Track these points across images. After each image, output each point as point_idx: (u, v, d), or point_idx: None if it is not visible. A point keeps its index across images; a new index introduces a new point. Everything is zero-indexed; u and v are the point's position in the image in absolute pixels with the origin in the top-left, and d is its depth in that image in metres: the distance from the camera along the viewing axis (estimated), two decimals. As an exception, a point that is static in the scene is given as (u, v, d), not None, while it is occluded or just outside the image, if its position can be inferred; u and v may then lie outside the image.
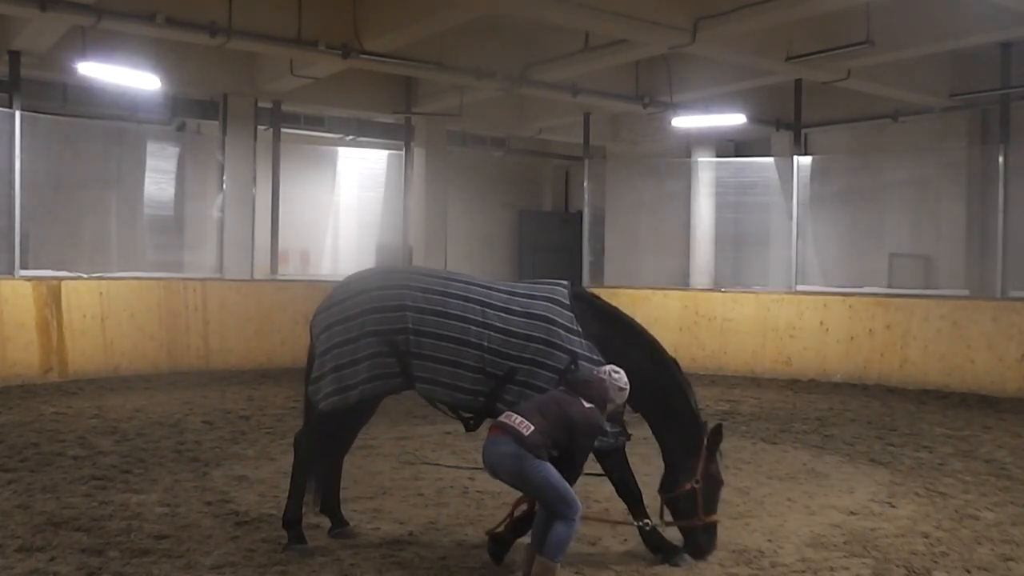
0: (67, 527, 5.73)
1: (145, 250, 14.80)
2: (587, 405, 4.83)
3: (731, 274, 16.68)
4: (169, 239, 15.10)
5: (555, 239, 20.86)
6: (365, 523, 6.00)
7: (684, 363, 16.71)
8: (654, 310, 15.49)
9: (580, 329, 5.18)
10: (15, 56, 12.45)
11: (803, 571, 5.20)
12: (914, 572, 5.20)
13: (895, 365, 13.37)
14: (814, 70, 13.01)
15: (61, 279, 12.66)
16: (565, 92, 14.47)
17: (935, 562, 5.37)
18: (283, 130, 15.75)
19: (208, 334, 14.02)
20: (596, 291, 16.20)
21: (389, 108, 16.45)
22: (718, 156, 17.80)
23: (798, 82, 14.89)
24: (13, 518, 5.89)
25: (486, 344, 5.14)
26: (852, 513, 6.45)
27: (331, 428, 5.47)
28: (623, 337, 5.36)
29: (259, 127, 15.34)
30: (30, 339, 12.13)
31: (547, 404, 4.85)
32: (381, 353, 5.19)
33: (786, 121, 15.98)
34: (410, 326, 5.17)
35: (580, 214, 17.86)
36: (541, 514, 4.90)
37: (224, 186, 14.92)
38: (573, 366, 5.12)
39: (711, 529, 5.33)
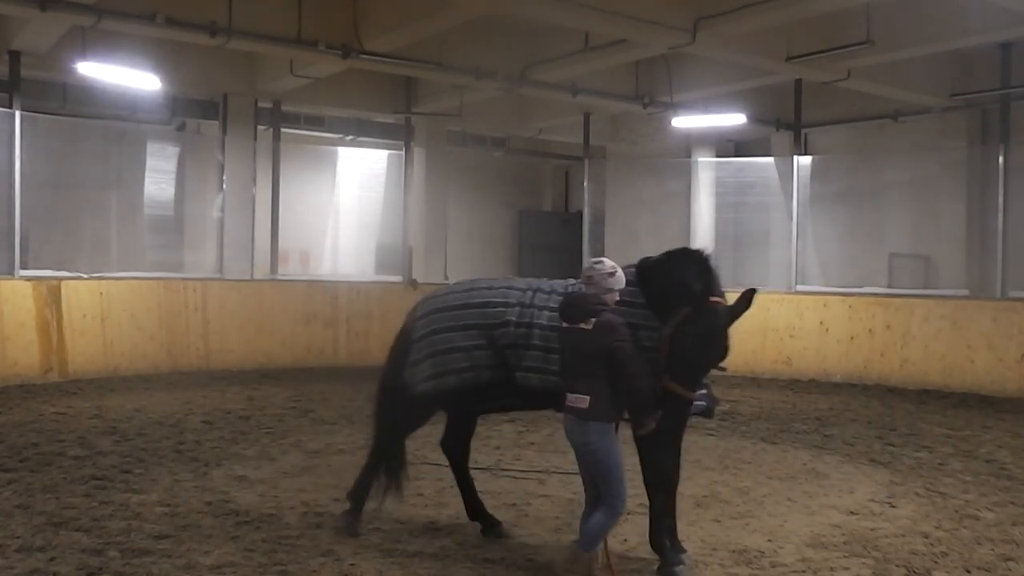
0: (67, 527, 5.73)
1: (145, 250, 14.79)
2: (590, 325, 4.73)
3: (731, 274, 16.66)
4: (169, 239, 15.10)
5: (555, 239, 20.85)
6: (365, 523, 6.00)
7: (684, 363, 16.33)
8: (654, 310, 15.47)
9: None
10: (15, 56, 12.45)
11: (803, 571, 5.20)
12: (914, 572, 5.20)
13: (895, 365, 13.37)
14: (814, 70, 13.02)
15: (61, 279, 12.66)
16: (565, 92, 14.47)
17: (935, 562, 5.37)
18: (283, 130, 15.75)
19: (208, 334, 14.02)
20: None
21: (389, 108, 16.45)
22: (718, 156, 17.80)
23: (798, 82, 14.89)
24: (13, 518, 5.89)
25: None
26: (852, 513, 6.45)
27: (420, 411, 5.78)
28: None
29: (259, 127, 15.35)
30: (30, 339, 12.13)
31: (575, 360, 4.78)
32: (479, 346, 5.38)
33: (786, 121, 15.98)
34: (512, 319, 5.33)
35: (580, 214, 17.85)
36: (586, 511, 4.93)
37: (224, 186, 14.92)
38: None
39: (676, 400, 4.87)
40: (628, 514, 6.31)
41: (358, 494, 5.81)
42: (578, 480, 7.27)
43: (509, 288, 5.55)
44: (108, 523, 5.85)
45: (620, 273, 4.90)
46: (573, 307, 4.82)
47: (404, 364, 5.67)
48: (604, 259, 4.93)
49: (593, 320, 4.73)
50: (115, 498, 6.48)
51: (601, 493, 4.78)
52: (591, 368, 4.71)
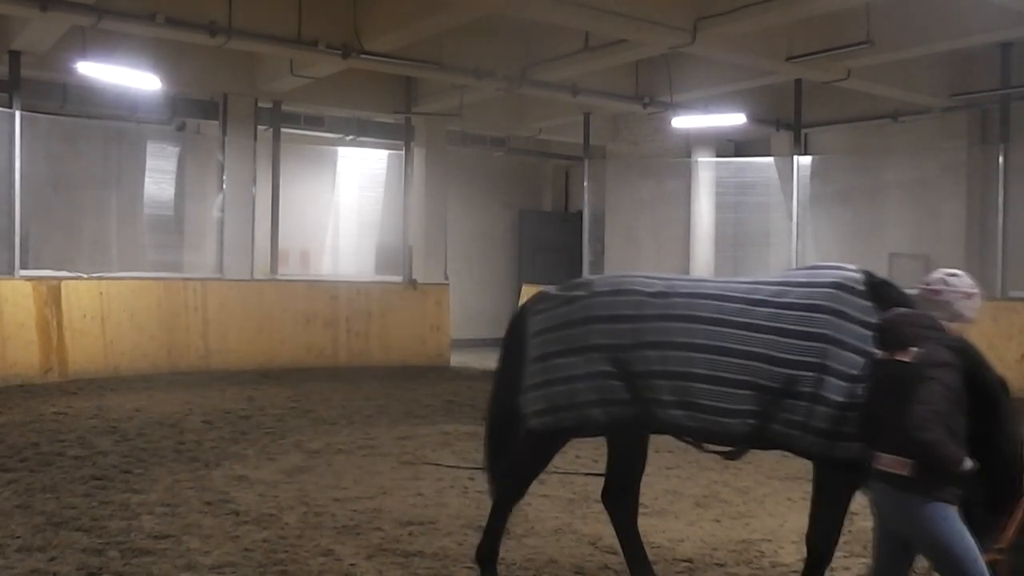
0: (67, 527, 5.73)
1: (145, 250, 14.78)
2: (909, 356, 3.46)
3: (731, 274, 16.67)
4: (169, 239, 15.09)
5: (555, 239, 20.85)
6: (365, 523, 6.00)
7: (684, 363, 16.39)
8: (654, 310, 15.47)
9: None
10: (15, 56, 12.44)
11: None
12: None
13: (895, 365, 13.34)
14: (814, 70, 13.01)
15: (61, 279, 12.66)
16: (565, 92, 14.47)
17: (935, 562, 5.37)
18: (283, 130, 15.74)
19: (208, 334, 14.02)
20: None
21: (389, 108, 16.44)
22: (718, 156, 17.79)
23: (798, 82, 14.88)
24: (13, 518, 5.89)
25: (752, 349, 4.07)
26: (852, 513, 6.43)
27: (540, 449, 4.74)
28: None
29: (259, 127, 15.33)
30: (30, 339, 12.13)
31: (891, 407, 3.45)
32: (604, 373, 4.29)
33: (786, 121, 15.96)
34: (647, 339, 4.22)
35: (580, 214, 17.85)
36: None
37: (224, 186, 14.91)
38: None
39: None
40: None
41: (486, 549, 4.88)
42: (578, 480, 7.28)
43: (649, 294, 4.32)
44: (108, 523, 5.85)
45: (977, 297, 3.70)
46: (900, 327, 3.58)
47: (517, 386, 4.63)
48: (961, 273, 3.71)
49: (915, 349, 3.48)
50: (115, 498, 6.48)
51: None
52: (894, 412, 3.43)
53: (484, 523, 5.98)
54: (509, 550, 5.46)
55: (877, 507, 3.59)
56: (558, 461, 7.97)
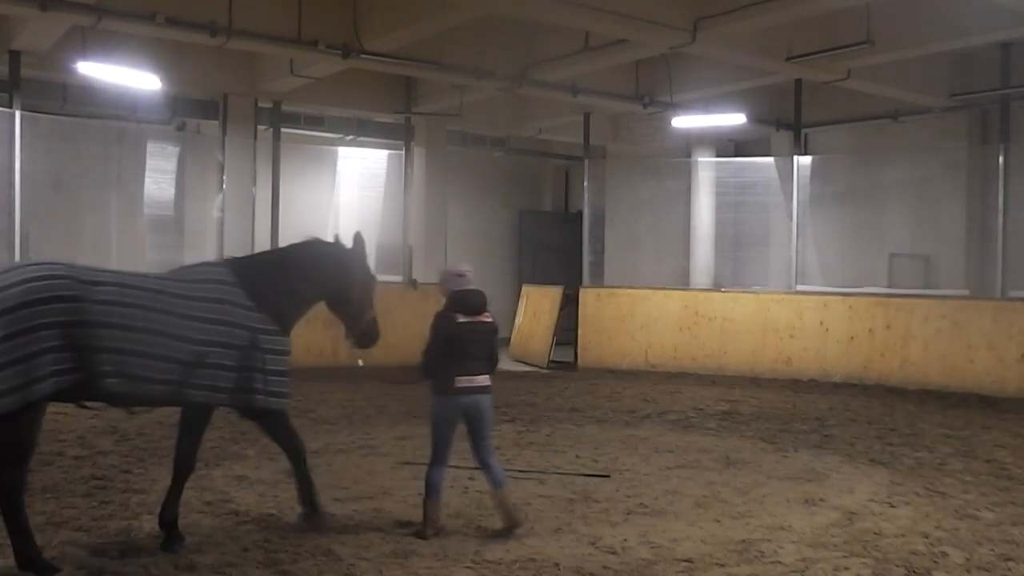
0: (67, 527, 5.74)
1: (145, 250, 14.77)
2: (489, 317, 6.00)
3: (731, 274, 16.66)
4: (169, 239, 15.08)
5: (555, 239, 20.84)
6: (365, 523, 6.00)
7: (684, 363, 16.54)
8: (654, 310, 15.49)
9: (252, 303, 5.51)
10: (15, 56, 12.44)
11: (803, 571, 5.20)
12: (914, 572, 5.20)
13: (895, 365, 13.37)
14: (814, 70, 13.01)
15: (61, 279, 12.63)
16: (565, 92, 14.47)
17: (935, 562, 5.37)
18: (283, 130, 15.73)
19: (208, 334, 13.99)
20: (596, 291, 16.30)
21: (389, 108, 16.44)
22: (718, 156, 17.79)
23: (798, 82, 14.88)
24: (13, 518, 5.88)
25: (171, 331, 5.13)
26: (852, 513, 6.45)
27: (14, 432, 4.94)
28: (275, 279, 5.86)
29: (259, 127, 15.33)
30: (30, 339, 12.10)
31: (478, 347, 5.88)
32: (57, 347, 4.74)
33: (786, 121, 15.97)
34: (91, 318, 4.83)
35: (580, 214, 17.84)
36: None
37: (224, 186, 14.91)
38: (256, 341, 5.43)
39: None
40: (628, 513, 6.33)
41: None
42: (577, 480, 7.30)
43: (75, 280, 4.89)
44: (108, 523, 5.85)
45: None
46: (478, 301, 5.93)
47: None
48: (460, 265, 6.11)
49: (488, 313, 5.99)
50: (115, 498, 6.48)
51: (484, 446, 5.91)
52: (488, 352, 5.93)
53: (484, 523, 6.00)
54: (509, 550, 5.46)
55: (469, 410, 5.79)
56: (557, 461, 8.00)
